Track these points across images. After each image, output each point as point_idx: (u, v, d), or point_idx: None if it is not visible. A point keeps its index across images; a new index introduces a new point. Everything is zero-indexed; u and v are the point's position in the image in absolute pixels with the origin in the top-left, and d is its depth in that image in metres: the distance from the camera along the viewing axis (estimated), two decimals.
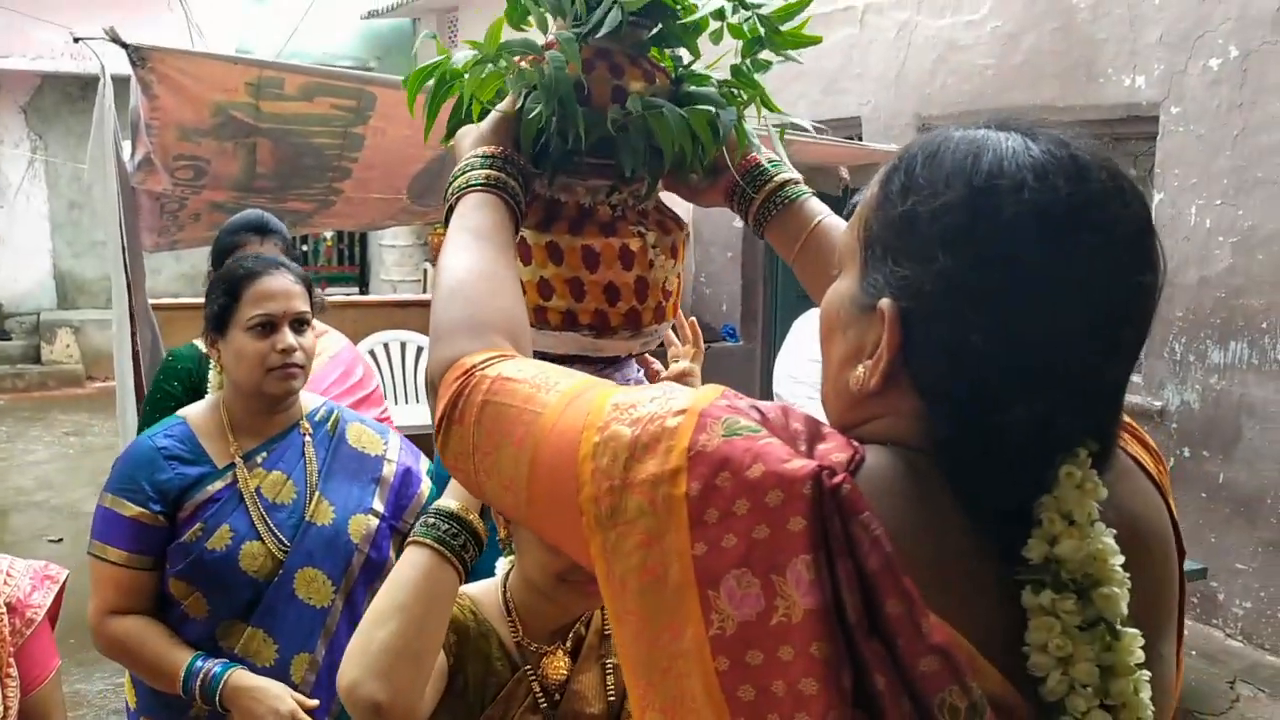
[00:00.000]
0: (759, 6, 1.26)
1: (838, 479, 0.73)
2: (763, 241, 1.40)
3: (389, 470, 2.07)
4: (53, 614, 1.65)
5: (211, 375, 2.17)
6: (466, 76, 1.25)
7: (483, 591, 1.38)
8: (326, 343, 2.84)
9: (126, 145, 3.70)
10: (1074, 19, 5.05)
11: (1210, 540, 4.61)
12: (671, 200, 1.39)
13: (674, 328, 1.61)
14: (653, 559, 0.77)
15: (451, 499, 1.23)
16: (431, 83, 1.30)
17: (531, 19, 1.27)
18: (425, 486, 2.09)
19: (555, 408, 0.87)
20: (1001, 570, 0.77)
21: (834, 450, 0.79)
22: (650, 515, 0.77)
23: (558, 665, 1.33)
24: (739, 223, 7.30)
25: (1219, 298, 4.50)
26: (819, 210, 1.27)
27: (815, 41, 1.31)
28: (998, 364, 0.76)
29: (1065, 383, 0.76)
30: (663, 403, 0.82)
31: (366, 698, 1.11)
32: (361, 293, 12.43)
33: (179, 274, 11.04)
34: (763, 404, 0.82)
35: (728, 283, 7.63)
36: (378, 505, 2.03)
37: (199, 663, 1.83)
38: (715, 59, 1.35)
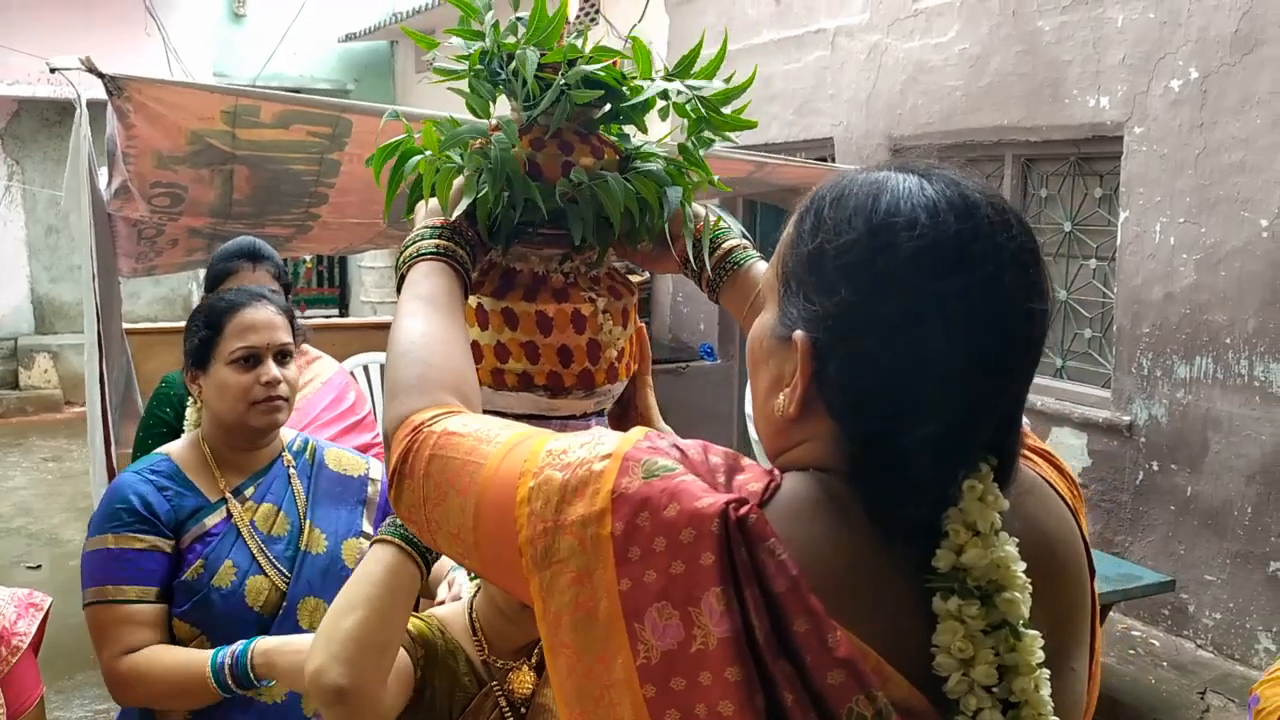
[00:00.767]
0: (700, 89, 1.32)
1: (744, 510, 0.79)
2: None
3: (373, 490, 2.08)
4: (36, 642, 1.68)
5: (189, 413, 2.13)
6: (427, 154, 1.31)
7: (450, 613, 1.45)
8: (319, 368, 2.87)
9: (103, 172, 3.73)
10: (1039, 41, 5.14)
11: (1180, 552, 4.68)
12: None
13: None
14: (584, 595, 0.83)
15: None
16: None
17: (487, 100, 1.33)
18: None
19: (496, 457, 0.93)
20: (914, 581, 0.83)
21: (751, 480, 0.85)
22: (580, 554, 0.83)
23: (523, 680, 1.39)
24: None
25: (1184, 314, 4.59)
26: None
27: (752, 125, 1.37)
28: (899, 388, 0.82)
29: (962, 404, 0.82)
30: (591, 448, 0.88)
31: (331, 683, 1.16)
32: (341, 314, 12.44)
33: (158, 297, 11.03)
34: (684, 442, 0.88)
35: (705, 302, 7.67)
36: (367, 527, 2.04)
37: (220, 654, 1.76)
38: (664, 135, 1.41)
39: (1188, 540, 4.65)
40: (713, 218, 1.37)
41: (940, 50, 5.72)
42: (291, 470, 2.02)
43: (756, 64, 1.40)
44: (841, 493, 0.85)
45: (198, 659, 1.77)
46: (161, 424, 2.66)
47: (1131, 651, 4.65)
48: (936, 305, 0.81)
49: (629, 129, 1.39)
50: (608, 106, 1.34)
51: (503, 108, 1.37)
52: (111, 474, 3.41)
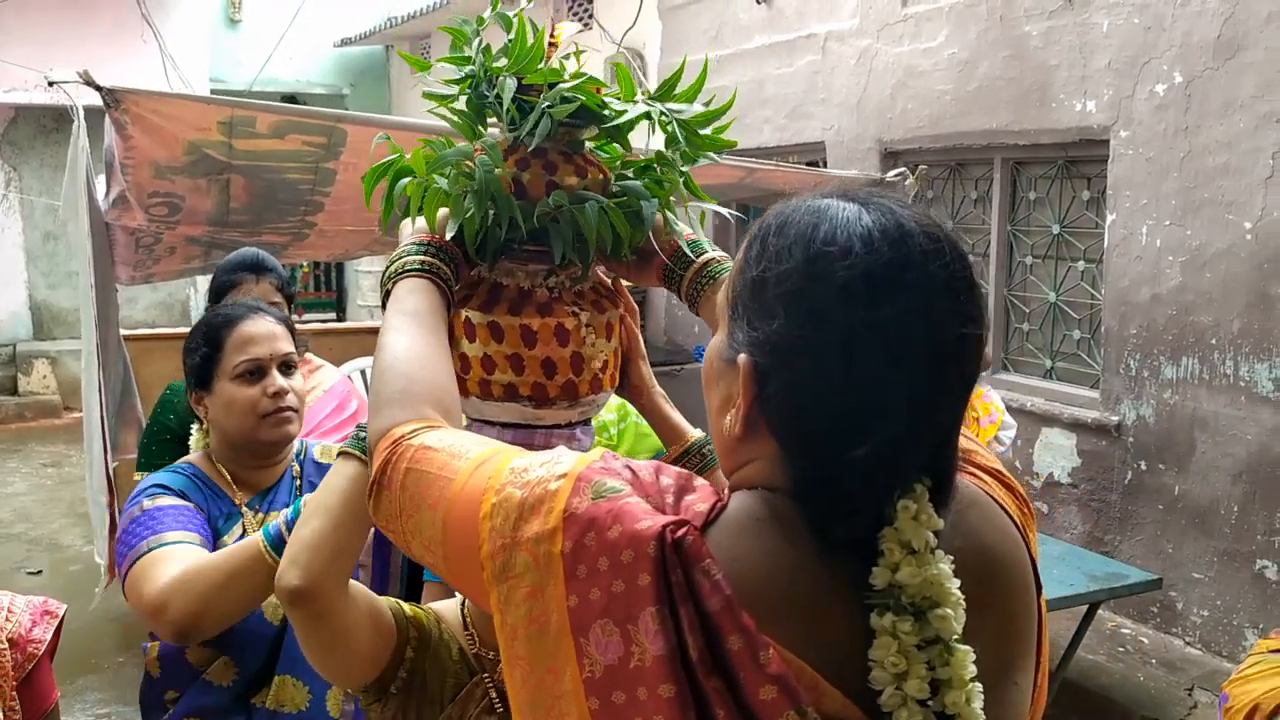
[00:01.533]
0: (679, 112, 1.37)
1: (680, 532, 0.83)
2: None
3: None
4: (51, 649, 1.72)
5: (195, 437, 2.07)
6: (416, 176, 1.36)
7: (445, 607, 1.52)
8: (321, 376, 2.91)
9: (101, 180, 3.77)
10: (1026, 46, 5.20)
11: (1168, 551, 4.73)
12: None
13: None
14: (537, 609, 0.87)
15: None
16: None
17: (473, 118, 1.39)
18: None
19: (465, 473, 0.97)
20: (854, 597, 0.86)
21: (698, 501, 0.89)
22: (534, 570, 0.88)
23: None
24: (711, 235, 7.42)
25: (1170, 315, 4.64)
26: None
27: (731, 145, 1.42)
28: (833, 411, 0.86)
29: (895, 427, 0.85)
30: (549, 467, 0.92)
31: (287, 584, 1.23)
32: (338, 319, 12.49)
33: (155, 302, 11.07)
34: (637, 463, 0.92)
35: None
36: None
37: (272, 524, 1.64)
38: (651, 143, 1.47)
39: (1176, 539, 4.71)
40: (686, 230, 1.42)
41: (929, 55, 5.77)
42: (298, 480, 2.01)
43: (737, 87, 1.44)
44: (785, 511, 0.88)
45: (246, 540, 1.67)
46: (165, 430, 2.71)
47: (1121, 649, 4.70)
48: (868, 333, 0.84)
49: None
50: (593, 130, 1.39)
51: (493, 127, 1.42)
52: (110, 481, 3.46)
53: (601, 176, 1.39)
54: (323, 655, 1.31)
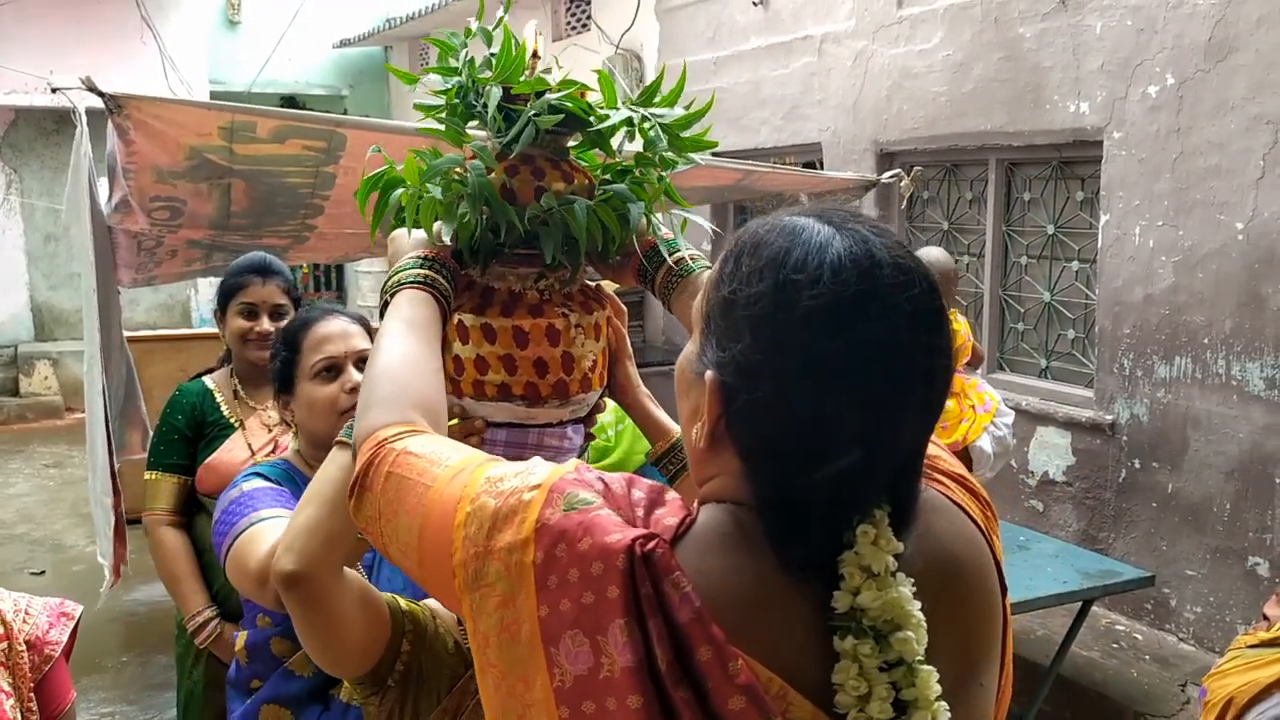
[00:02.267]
0: (661, 116, 1.41)
1: (650, 545, 0.85)
2: None
3: None
4: (67, 650, 1.75)
5: (291, 444, 2.08)
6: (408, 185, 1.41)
7: (442, 605, 1.54)
8: None
9: (103, 184, 3.81)
10: (1020, 48, 5.24)
11: (1161, 548, 4.77)
12: None
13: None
14: (509, 618, 0.89)
15: None
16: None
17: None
18: None
19: (442, 480, 0.99)
20: (819, 613, 0.88)
21: (668, 515, 0.91)
22: (506, 579, 0.89)
23: None
24: (707, 244, 7.46)
25: (1164, 315, 4.68)
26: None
27: (712, 146, 1.46)
28: (794, 436, 0.87)
29: (855, 454, 0.86)
30: (524, 478, 0.94)
31: (279, 570, 1.26)
32: None
33: (156, 304, 11.11)
34: (610, 476, 0.94)
35: None
36: None
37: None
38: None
39: (1169, 536, 4.75)
40: (665, 232, 1.46)
41: (925, 57, 5.81)
42: None
43: (715, 92, 1.48)
44: (752, 527, 0.90)
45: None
46: (174, 431, 2.75)
47: (1115, 645, 4.74)
48: (830, 363, 0.85)
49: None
50: (578, 137, 1.43)
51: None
52: (114, 481, 3.49)
53: (587, 182, 1.43)
54: (316, 640, 1.34)
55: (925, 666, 0.87)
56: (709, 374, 0.93)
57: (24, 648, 1.66)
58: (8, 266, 10.49)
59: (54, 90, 3.36)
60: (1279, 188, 4.19)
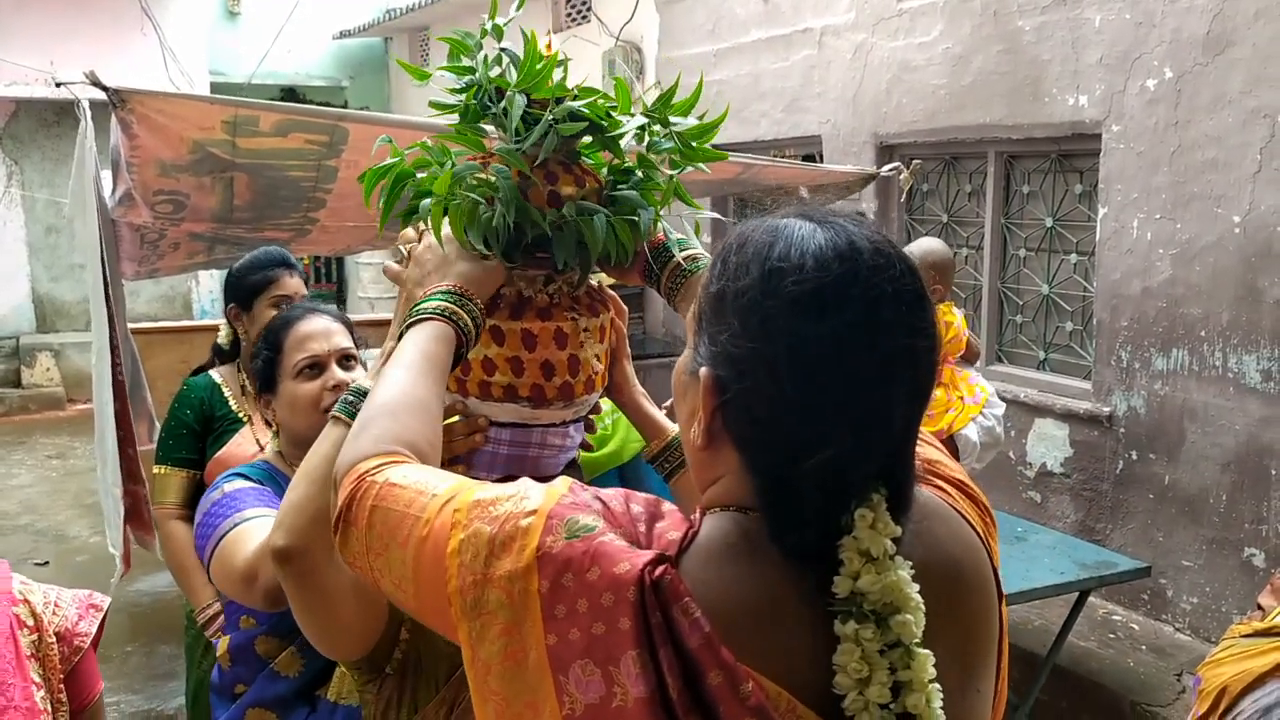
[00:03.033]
0: (675, 125, 1.43)
1: (659, 572, 0.86)
2: None
3: None
4: (95, 641, 1.77)
5: (270, 444, 2.09)
6: (418, 176, 1.42)
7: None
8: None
9: (106, 176, 3.83)
10: (1020, 41, 5.25)
11: (1158, 539, 4.80)
12: None
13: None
14: (513, 645, 0.89)
15: (368, 380, 1.36)
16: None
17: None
18: None
19: (432, 510, 0.99)
20: (820, 608, 0.90)
21: (670, 528, 0.93)
22: (509, 608, 0.90)
23: None
24: (708, 236, 7.48)
25: (1161, 307, 4.70)
26: None
27: (723, 157, 1.49)
28: (786, 421, 0.90)
29: (847, 437, 0.89)
30: (517, 502, 0.94)
31: (272, 545, 1.28)
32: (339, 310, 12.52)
33: (157, 295, 11.13)
34: (606, 492, 0.95)
35: None
36: None
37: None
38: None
39: (1166, 527, 4.78)
40: (673, 233, 1.47)
41: (924, 50, 5.82)
42: None
43: (729, 105, 1.48)
44: (754, 530, 0.92)
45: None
46: (182, 425, 2.78)
47: (1112, 635, 4.78)
48: (817, 345, 0.88)
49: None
50: (589, 139, 1.44)
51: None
52: (128, 471, 3.50)
53: (596, 185, 1.44)
54: (312, 620, 1.35)
55: (922, 650, 0.89)
56: (703, 370, 0.95)
57: (54, 639, 1.69)
58: (9, 258, 10.51)
59: (58, 84, 3.38)
60: (1276, 181, 4.21)
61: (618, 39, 8.43)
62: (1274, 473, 4.32)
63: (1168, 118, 4.60)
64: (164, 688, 4.63)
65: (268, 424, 2.08)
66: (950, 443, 4.13)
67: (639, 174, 1.46)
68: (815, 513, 0.90)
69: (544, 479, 1.45)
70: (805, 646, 0.89)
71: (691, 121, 1.44)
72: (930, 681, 0.89)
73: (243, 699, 1.90)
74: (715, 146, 1.50)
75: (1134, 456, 4.90)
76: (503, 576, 0.90)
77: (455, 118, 1.46)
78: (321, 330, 2.00)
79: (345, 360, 1.99)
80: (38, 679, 1.64)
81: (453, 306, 1.28)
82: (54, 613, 1.72)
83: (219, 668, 1.97)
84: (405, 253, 1.45)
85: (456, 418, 1.40)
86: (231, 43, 11.96)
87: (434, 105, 1.47)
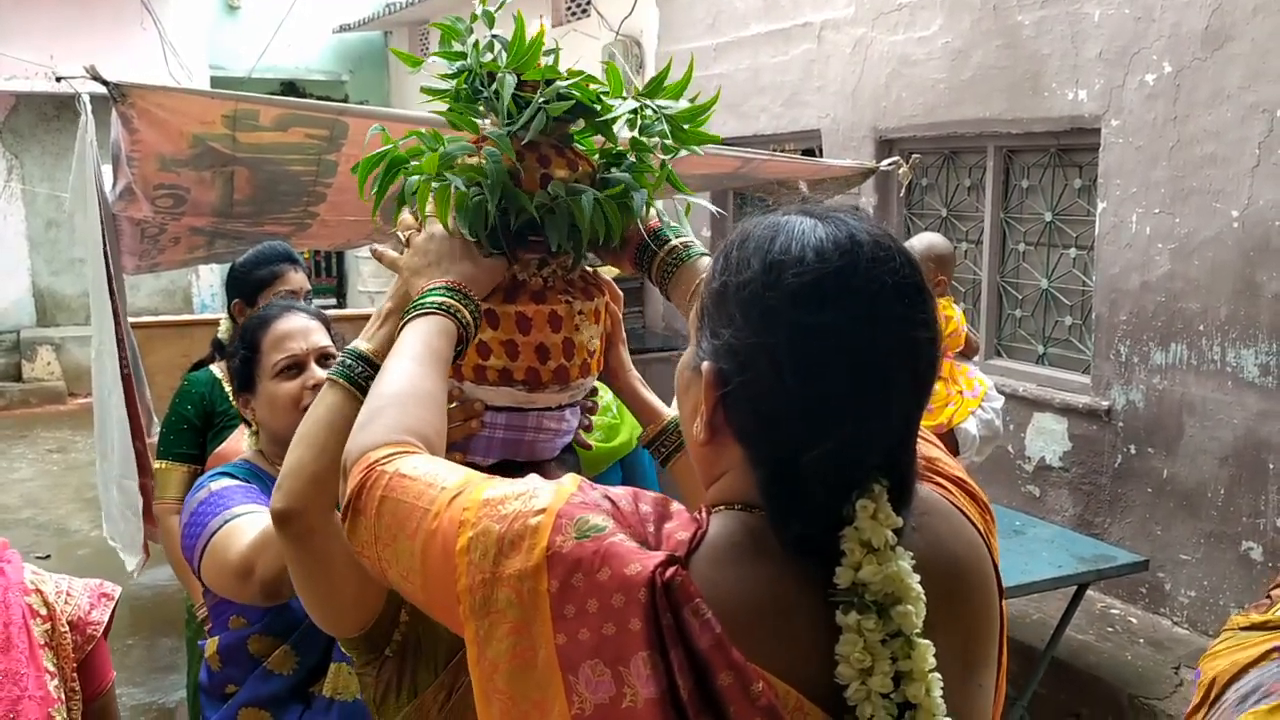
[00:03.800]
0: (666, 108, 1.43)
1: (670, 573, 0.86)
2: None
3: None
4: (106, 629, 1.76)
5: (247, 441, 2.10)
6: (411, 163, 1.42)
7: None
8: None
9: (106, 170, 3.84)
10: (1019, 35, 5.26)
11: (1157, 533, 4.82)
12: None
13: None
14: (522, 645, 0.89)
15: (364, 342, 1.37)
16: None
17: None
18: None
19: (441, 503, 0.99)
20: (823, 601, 0.90)
21: (679, 529, 0.93)
22: (518, 607, 0.90)
23: None
24: (708, 231, 7.48)
25: (1160, 302, 4.71)
26: (705, 268, 1.36)
27: (715, 140, 1.48)
28: (788, 412, 0.90)
29: (848, 428, 0.89)
30: (526, 500, 0.94)
31: (272, 508, 1.29)
32: (339, 305, 12.55)
33: (157, 289, 11.14)
34: (615, 491, 0.96)
35: None
36: None
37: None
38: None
39: (1164, 521, 4.79)
40: (668, 220, 1.47)
41: (924, 44, 5.82)
42: None
43: (720, 87, 1.48)
44: (759, 528, 0.92)
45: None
46: (184, 421, 2.79)
47: (1110, 629, 4.79)
48: (818, 337, 0.89)
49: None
50: (581, 123, 1.45)
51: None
52: (144, 468, 3.51)
53: (589, 169, 1.44)
54: (310, 587, 1.35)
55: (922, 640, 0.90)
56: (705, 364, 0.96)
57: (66, 628, 1.70)
58: (9, 252, 10.52)
59: (59, 79, 3.39)
60: (1274, 176, 4.21)
61: (617, 33, 8.43)
62: (1272, 467, 4.33)
63: (1167, 112, 4.60)
64: (165, 681, 4.65)
65: (247, 424, 2.06)
66: (950, 437, 4.15)
67: (632, 158, 1.47)
68: (817, 504, 0.91)
69: (540, 463, 1.46)
70: (810, 640, 0.90)
71: (683, 104, 1.45)
72: (930, 671, 0.90)
73: (235, 699, 1.89)
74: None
75: (1132, 450, 4.91)
76: (512, 575, 0.90)
77: (446, 108, 1.47)
78: (299, 329, 1.98)
79: (324, 359, 1.97)
80: (51, 668, 1.65)
81: (453, 302, 1.29)
82: (66, 602, 1.73)
83: (207, 668, 1.96)
84: (404, 239, 1.45)
85: (453, 404, 1.40)
86: (231, 37, 11.96)
87: (426, 90, 1.48)
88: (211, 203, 4.11)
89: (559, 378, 1.43)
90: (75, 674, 1.69)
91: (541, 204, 1.36)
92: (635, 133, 1.45)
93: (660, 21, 8.08)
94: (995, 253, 5.73)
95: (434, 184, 1.39)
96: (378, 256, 1.47)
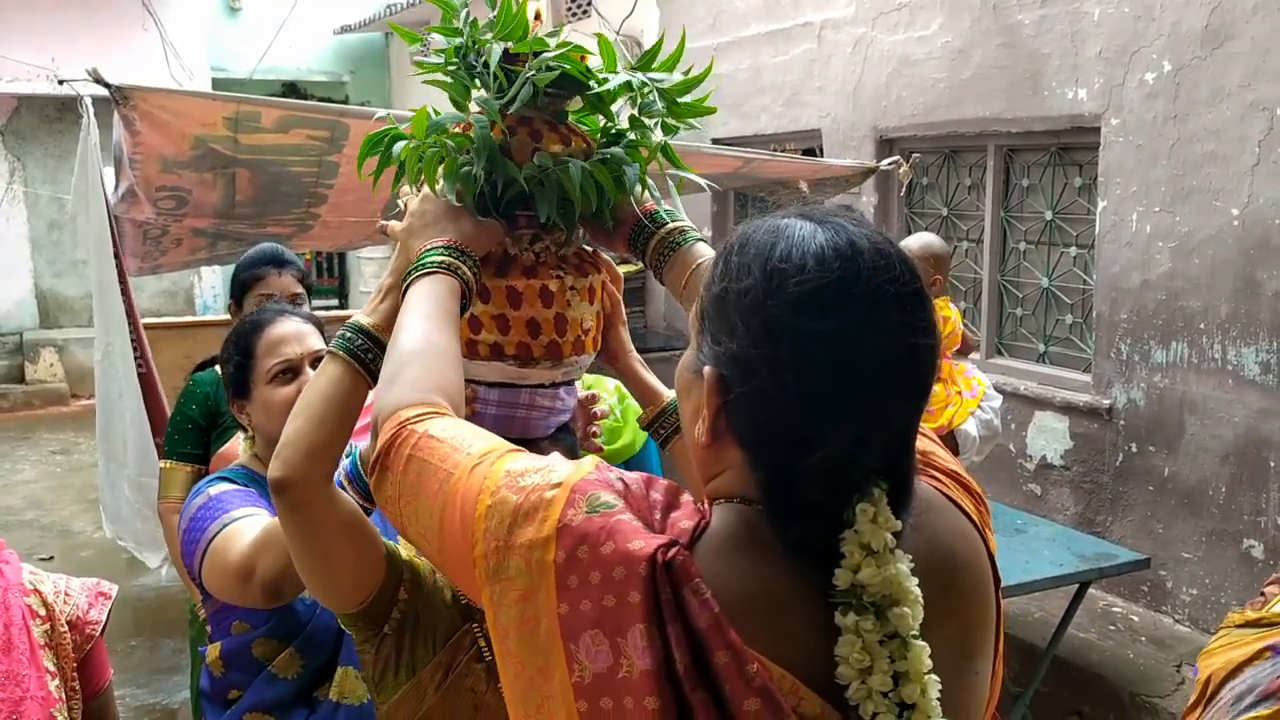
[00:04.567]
0: (660, 81, 1.43)
1: (672, 553, 0.88)
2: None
3: None
4: (103, 628, 1.77)
5: (243, 445, 2.10)
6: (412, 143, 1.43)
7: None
8: None
9: (109, 172, 3.86)
10: (1019, 34, 5.26)
11: (1158, 531, 4.82)
12: None
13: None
14: (528, 612, 0.92)
15: (365, 316, 1.38)
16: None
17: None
18: None
19: (464, 468, 1.01)
20: (822, 600, 0.92)
21: (683, 518, 0.95)
22: (526, 575, 0.92)
23: None
24: (709, 230, 7.49)
25: (1160, 300, 4.72)
26: (700, 254, 1.40)
27: (710, 112, 1.48)
28: (790, 419, 0.91)
29: (849, 433, 0.90)
30: (545, 475, 0.97)
31: (270, 476, 1.30)
32: (341, 305, 12.56)
33: (160, 290, 11.14)
34: (629, 475, 0.97)
35: None
36: None
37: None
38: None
39: (1165, 519, 4.79)
40: (650, 203, 1.47)
41: (924, 43, 5.83)
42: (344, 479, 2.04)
43: (714, 57, 1.46)
44: (758, 523, 0.94)
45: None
46: (188, 420, 2.80)
47: (1111, 627, 4.79)
48: (820, 344, 0.89)
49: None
50: (580, 102, 1.45)
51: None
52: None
53: (585, 145, 1.44)
54: (306, 559, 1.36)
55: (918, 641, 0.91)
56: (706, 369, 0.96)
57: (65, 628, 1.71)
58: (12, 254, 10.53)
59: (61, 82, 3.41)
60: (1274, 174, 4.22)
61: (618, 33, 8.44)
62: (1273, 464, 4.33)
63: (1166, 111, 4.61)
64: (168, 681, 4.66)
65: (242, 429, 2.06)
66: (950, 438, 4.15)
67: (631, 136, 1.47)
68: (817, 508, 0.92)
69: (534, 440, 1.47)
70: (807, 637, 0.91)
71: (677, 77, 1.45)
72: (927, 673, 0.91)
73: (239, 704, 1.89)
74: (716, 140, 1.51)
75: (1133, 449, 4.91)
76: (523, 545, 0.93)
77: (440, 83, 1.47)
78: (293, 333, 1.99)
79: (318, 363, 1.95)
80: (52, 668, 1.66)
81: (454, 260, 1.31)
82: (65, 602, 1.74)
83: (209, 674, 1.95)
84: (403, 206, 1.46)
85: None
86: (232, 39, 11.96)
87: (417, 64, 1.49)
88: (213, 204, 4.13)
89: (551, 353, 1.44)
90: (75, 673, 1.70)
91: (530, 176, 1.36)
92: (635, 111, 1.45)
93: (661, 21, 8.09)
94: (996, 252, 5.74)
95: (425, 151, 1.39)
96: (383, 230, 1.49)
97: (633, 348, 1.62)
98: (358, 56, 13.09)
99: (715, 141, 7.09)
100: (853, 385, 0.90)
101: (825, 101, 6.59)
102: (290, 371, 1.96)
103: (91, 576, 1.87)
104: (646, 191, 1.48)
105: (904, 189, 5.81)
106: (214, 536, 1.77)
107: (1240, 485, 4.47)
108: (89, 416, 4.66)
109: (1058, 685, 4.32)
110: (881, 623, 0.90)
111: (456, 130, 1.40)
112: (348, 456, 1.59)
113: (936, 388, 4.34)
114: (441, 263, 1.30)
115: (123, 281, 3.65)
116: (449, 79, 1.46)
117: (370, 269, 11.81)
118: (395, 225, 1.45)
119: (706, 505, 0.99)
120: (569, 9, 9.38)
